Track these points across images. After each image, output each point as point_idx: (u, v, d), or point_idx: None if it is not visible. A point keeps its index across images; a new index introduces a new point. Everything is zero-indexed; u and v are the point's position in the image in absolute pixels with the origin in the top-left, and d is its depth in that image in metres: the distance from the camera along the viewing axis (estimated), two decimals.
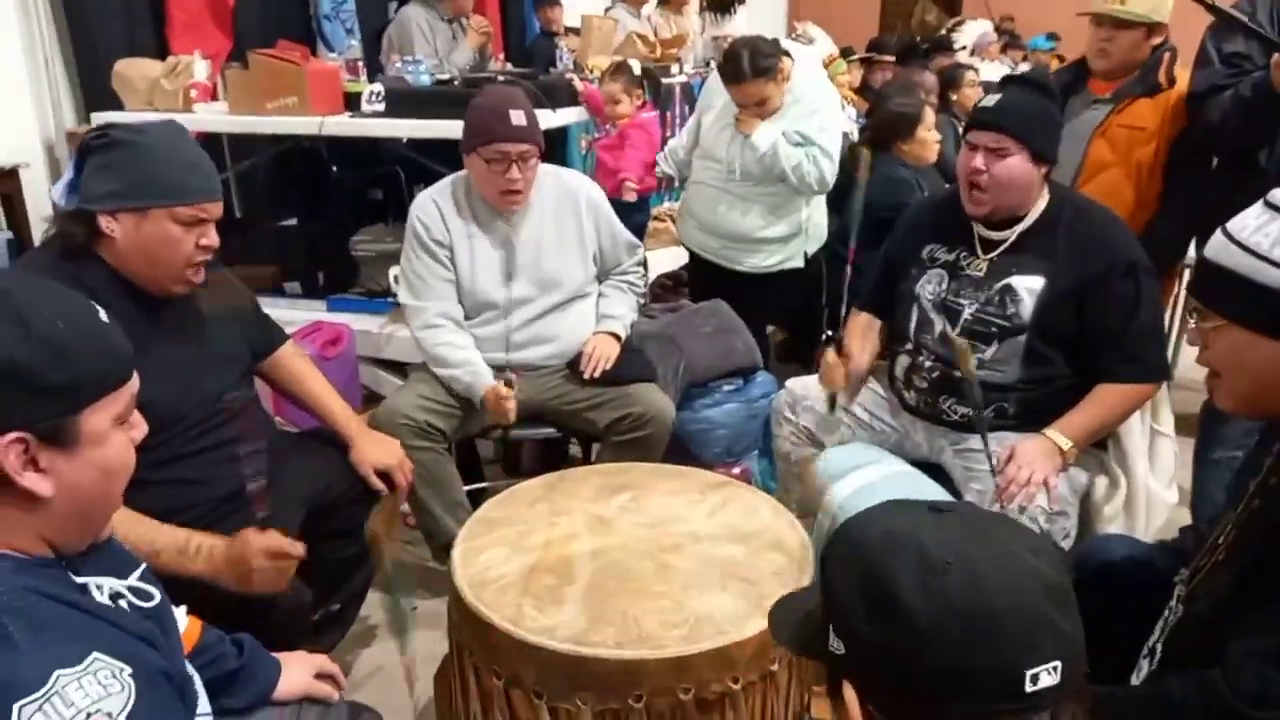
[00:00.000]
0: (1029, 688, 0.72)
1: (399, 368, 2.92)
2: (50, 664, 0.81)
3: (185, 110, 3.13)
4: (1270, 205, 1.08)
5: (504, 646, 1.36)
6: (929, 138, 3.08)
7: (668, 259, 3.53)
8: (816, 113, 2.74)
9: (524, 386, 2.28)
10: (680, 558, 1.53)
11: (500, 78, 3.27)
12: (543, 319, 2.27)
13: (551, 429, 2.36)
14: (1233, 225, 1.10)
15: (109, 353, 0.92)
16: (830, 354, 2.10)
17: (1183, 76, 2.47)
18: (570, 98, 3.37)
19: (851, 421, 2.12)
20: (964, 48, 6.02)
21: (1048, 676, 0.72)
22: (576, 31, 5.03)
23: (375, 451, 1.88)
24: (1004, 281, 1.88)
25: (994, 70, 5.72)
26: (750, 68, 2.60)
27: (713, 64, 3.27)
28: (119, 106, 3.22)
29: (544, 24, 6.02)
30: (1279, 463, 1.13)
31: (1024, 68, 6.58)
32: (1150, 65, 2.49)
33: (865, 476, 1.94)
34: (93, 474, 0.91)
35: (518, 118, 2.10)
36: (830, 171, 2.75)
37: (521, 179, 2.13)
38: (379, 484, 1.86)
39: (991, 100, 1.88)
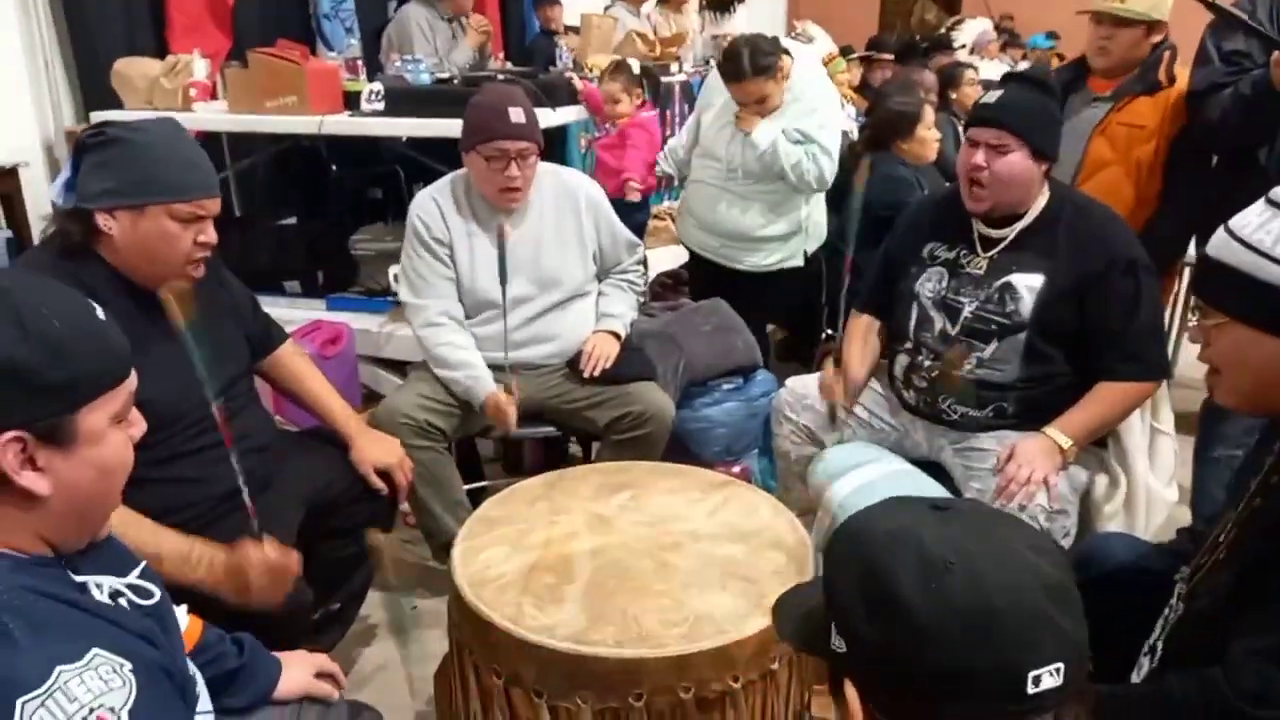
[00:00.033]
0: (1031, 689, 0.71)
1: (399, 367, 2.91)
2: (51, 660, 0.81)
3: (185, 109, 3.13)
4: (1272, 203, 1.08)
5: (504, 645, 1.36)
6: (929, 136, 3.08)
7: (667, 257, 3.53)
8: (816, 110, 2.74)
9: (523, 385, 2.28)
10: (680, 556, 1.53)
11: (500, 76, 3.26)
12: (542, 318, 2.27)
13: (551, 428, 2.36)
14: (1235, 222, 1.10)
15: (106, 351, 0.92)
16: (829, 368, 2.10)
17: (1182, 74, 2.46)
18: (570, 96, 3.37)
19: (851, 421, 2.12)
20: (963, 46, 6.01)
21: (1050, 678, 0.72)
22: (576, 30, 5.03)
23: (375, 450, 1.88)
24: (1004, 279, 1.88)
25: (993, 69, 5.70)
26: (750, 66, 2.60)
27: (712, 62, 3.26)
28: (119, 106, 3.21)
29: (543, 23, 6.02)
30: None
31: (1023, 66, 6.57)
32: (1150, 63, 2.49)
33: (865, 475, 1.95)
34: (90, 473, 0.91)
35: (517, 115, 2.10)
36: (830, 169, 2.75)
37: (520, 177, 2.13)
38: (379, 483, 1.86)
39: (993, 97, 1.88)
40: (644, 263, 2.54)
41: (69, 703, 0.80)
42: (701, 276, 3.11)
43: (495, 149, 2.10)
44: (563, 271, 2.27)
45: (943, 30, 6.63)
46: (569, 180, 2.34)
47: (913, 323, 2.00)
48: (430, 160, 3.11)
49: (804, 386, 2.20)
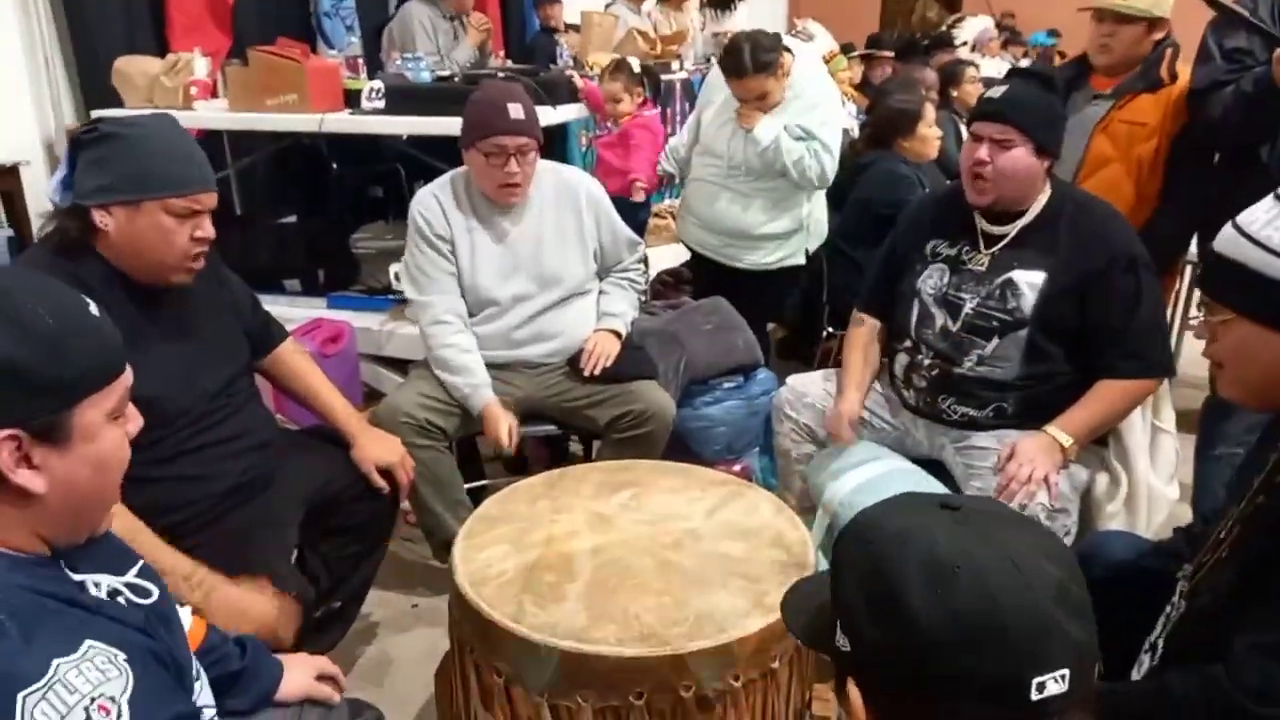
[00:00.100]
0: (1034, 696, 0.70)
1: (400, 365, 2.91)
2: (48, 653, 0.82)
3: (185, 107, 3.13)
4: None
5: (505, 643, 1.36)
6: (930, 134, 3.08)
7: (668, 256, 3.52)
8: (818, 107, 2.73)
9: (524, 384, 2.28)
10: (681, 555, 1.53)
11: (500, 74, 3.26)
12: (543, 316, 2.27)
13: (552, 426, 2.36)
14: (1243, 219, 1.10)
15: (101, 347, 0.92)
16: (830, 411, 2.07)
17: (1184, 72, 2.46)
18: (570, 95, 3.36)
19: None
20: (965, 44, 6.01)
21: (1054, 684, 0.70)
22: (577, 28, 5.03)
23: (376, 449, 1.87)
24: (1005, 276, 1.87)
25: (995, 66, 5.72)
26: (751, 62, 2.60)
27: (713, 60, 3.26)
28: (119, 104, 3.21)
29: (544, 21, 6.02)
30: None
31: (1024, 63, 6.57)
32: (1152, 61, 2.48)
33: (866, 473, 1.94)
34: (87, 470, 0.91)
35: (515, 111, 2.09)
36: (831, 166, 2.75)
37: (520, 172, 2.13)
38: (380, 482, 1.86)
39: (998, 92, 1.88)
40: (645, 261, 2.53)
41: (69, 694, 0.81)
42: (703, 275, 3.11)
43: (494, 145, 2.09)
44: (563, 269, 2.27)
45: (944, 28, 6.63)
46: (569, 178, 2.34)
47: (914, 320, 2.00)
48: (431, 158, 3.11)
49: (804, 385, 2.20)
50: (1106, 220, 1.89)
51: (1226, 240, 1.10)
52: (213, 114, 3.18)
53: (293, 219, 4.07)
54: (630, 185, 3.17)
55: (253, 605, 1.46)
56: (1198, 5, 2.22)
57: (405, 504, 2.20)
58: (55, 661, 0.81)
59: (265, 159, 3.90)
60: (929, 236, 2.02)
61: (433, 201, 2.23)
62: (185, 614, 1.16)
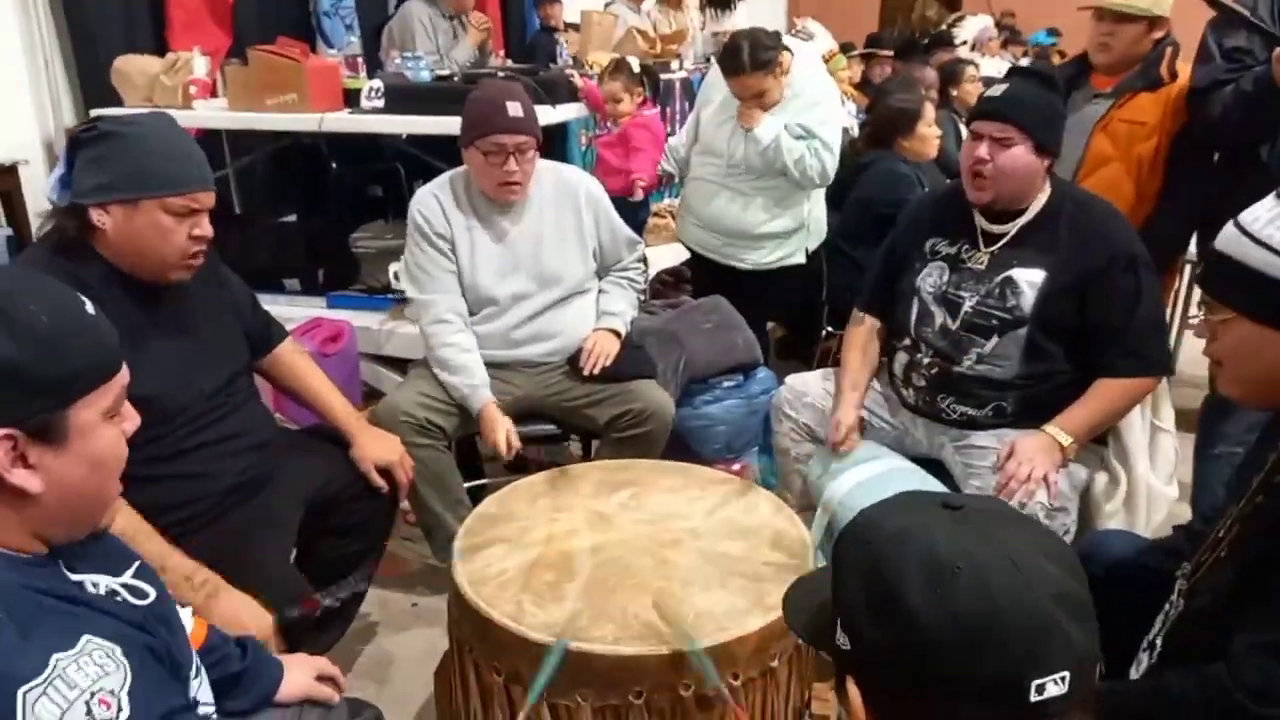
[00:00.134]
0: (1034, 697, 0.70)
1: (399, 364, 2.91)
2: (47, 649, 0.82)
3: (185, 106, 3.13)
4: None
5: (504, 642, 1.36)
6: (929, 133, 3.08)
7: (668, 255, 3.52)
8: (818, 105, 2.73)
9: (523, 383, 2.28)
10: (680, 554, 1.53)
11: (500, 73, 3.26)
12: (543, 315, 2.27)
13: (551, 425, 2.36)
14: (1244, 218, 1.09)
15: (96, 346, 0.92)
16: (834, 421, 2.05)
17: (1184, 71, 2.46)
18: (570, 94, 3.36)
19: None
20: (964, 43, 6.02)
21: (1054, 686, 0.70)
22: (576, 27, 5.03)
23: (376, 448, 1.87)
24: (1005, 274, 1.87)
25: (994, 65, 5.72)
26: (750, 60, 2.60)
27: (713, 60, 3.26)
28: (118, 103, 3.21)
29: (544, 20, 6.02)
30: None
31: (1024, 63, 6.58)
32: (1152, 59, 2.48)
33: (865, 472, 1.95)
34: (83, 469, 0.91)
35: (514, 109, 2.09)
36: (832, 165, 2.74)
37: (519, 171, 2.13)
38: (380, 481, 1.86)
39: (998, 90, 1.88)
40: (644, 260, 2.53)
41: (69, 689, 0.81)
42: (702, 274, 3.11)
43: (493, 143, 2.09)
44: (563, 268, 2.27)
45: (944, 27, 6.63)
46: (569, 177, 2.33)
47: (913, 318, 2.00)
48: (430, 158, 3.11)
49: (804, 384, 2.20)
50: (1106, 219, 1.89)
51: (1228, 239, 1.10)
52: (212, 113, 3.18)
53: (292, 218, 4.07)
54: (631, 184, 3.17)
55: (252, 611, 1.46)
56: (1197, 4, 2.22)
57: (405, 503, 2.20)
58: (55, 657, 0.82)
59: (264, 158, 3.90)
60: (928, 235, 2.02)
61: (432, 201, 2.23)
62: (186, 615, 1.16)
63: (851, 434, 2.03)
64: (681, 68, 4.62)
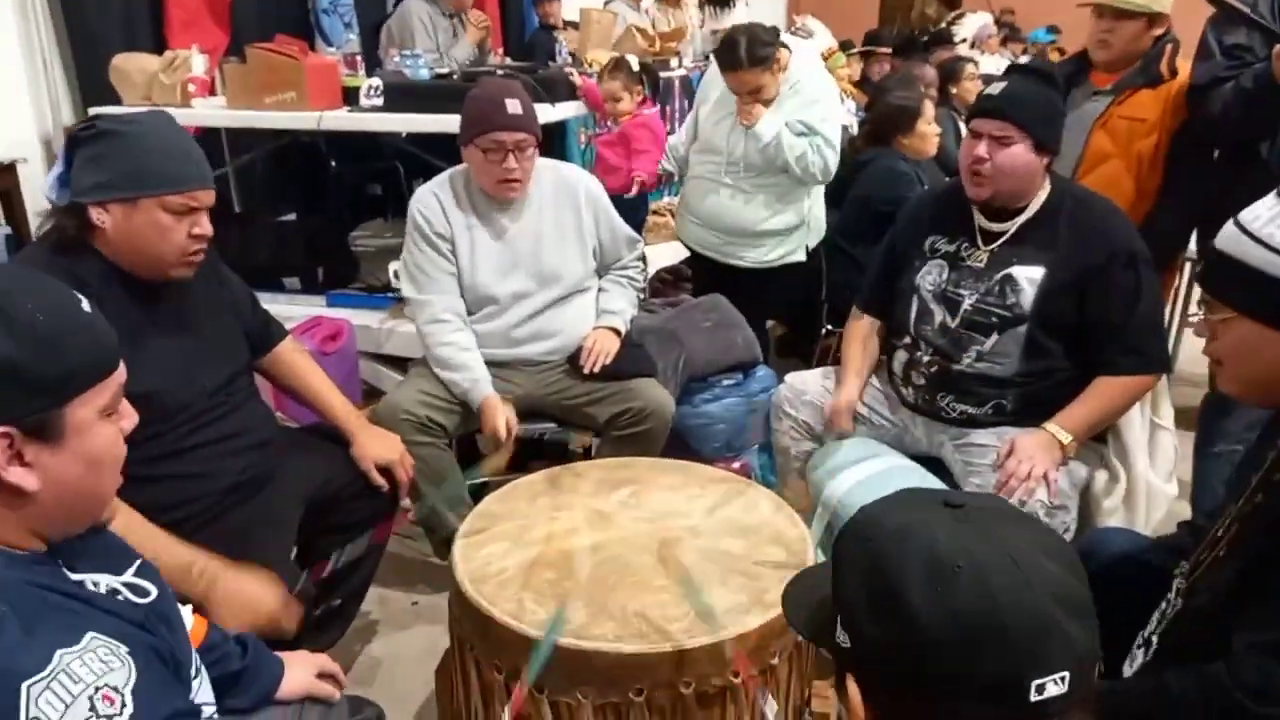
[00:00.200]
0: (1033, 697, 0.70)
1: (399, 363, 2.91)
2: (51, 644, 0.82)
3: (183, 105, 3.12)
4: None
5: (505, 640, 1.36)
6: (929, 131, 3.07)
7: (667, 253, 3.52)
8: (818, 102, 2.73)
9: (524, 382, 2.28)
10: (681, 552, 1.53)
11: (499, 71, 3.26)
12: (543, 314, 2.27)
13: (551, 424, 2.36)
14: (1244, 216, 1.09)
15: (93, 344, 0.92)
16: (828, 406, 2.08)
17: (1184, 68, 2.46)
18: (569, 92, 3.36)
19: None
20: (964, 41, 6.02)
21: (1054, 686, 0.70)
22: (575, 25, 5.02)
23: (376, 447, 1.87)
24: (1004, 271, 1.87)
25: (994, 63, 5.72)
26: (747, 56, 2.59)
27: (712, 58, 3.26)
28: (117, 101, 3.21)
29: (543, 18, 6.02)
30: None
31: (1024, 60, 6.57)
32: (1152, 56, 2.48)
33: (865, 471, 1.95)
34: (79, 467, 0.91)
35: (514, 107, 2.09)
36: (833, 161, 2.74)
37: (519, 168, 2.13)
38: (380, 479, 1.86)
39: (997, 88, 1.88)
40: (644, 259, 2.53)
41: (73, 684, 0.81)
42: (702, 272, 3.11)
43: (492, 141, 2.09)
44: (563, 267, 2.27)
45: (943, 24, 6.63)
46: (568, 175, 2.33)
47: (913, 316, 2.00)
48: (430, 156, 3.10)
49: (803, 382, 2.20)
50: (1106, 216, 1.89)
51: (1228, 238, 1.10)
52: (211, 111, 3.18)
53: (292, 217, 4.06)
54: (630, 180, 3.17)
55: (256, 592, 1.45)
56: (1197, 1, 2.21)
57: (405, 501, 2.20)
58: (59, 652, 0.82)
59: (264, 156, 3.89)
60: (928, 233, 2.02)
61: (432, 200, 2.23)
62: (186, 613, 1.16)
63: (849, 414, 2.02)
64: (681, 66, 4.62)
